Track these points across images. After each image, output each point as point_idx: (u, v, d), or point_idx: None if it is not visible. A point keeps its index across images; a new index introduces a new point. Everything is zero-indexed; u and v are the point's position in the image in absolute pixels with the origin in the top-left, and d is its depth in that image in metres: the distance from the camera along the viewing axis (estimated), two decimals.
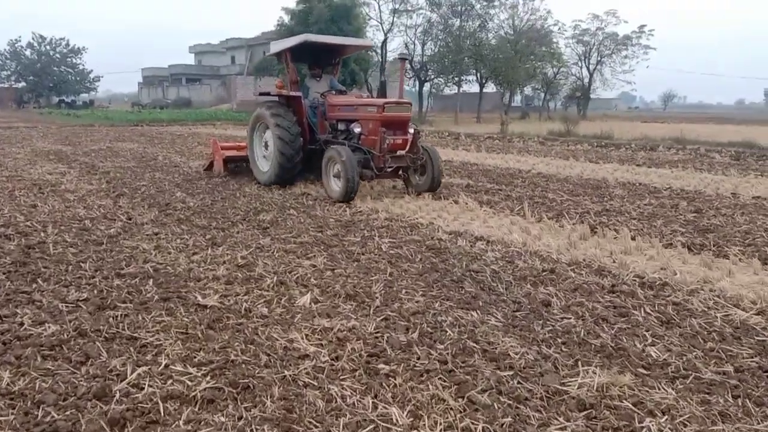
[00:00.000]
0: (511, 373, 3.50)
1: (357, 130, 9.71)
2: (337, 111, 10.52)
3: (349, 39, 11.51)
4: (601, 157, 17.40)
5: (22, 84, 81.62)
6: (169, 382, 3.34)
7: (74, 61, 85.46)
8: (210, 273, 5.41)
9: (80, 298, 4.66)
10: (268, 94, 11.48)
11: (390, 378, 3.43)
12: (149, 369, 3.45)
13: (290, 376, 3.40)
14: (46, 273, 5.34)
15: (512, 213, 8.47)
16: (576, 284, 5.17)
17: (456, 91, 51.83)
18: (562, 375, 3.50)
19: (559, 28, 70.31)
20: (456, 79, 49.14)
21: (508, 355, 3.73)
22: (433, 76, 48.16)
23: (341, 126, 10.40)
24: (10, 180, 11.22)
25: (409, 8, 48.14)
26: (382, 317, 4.36)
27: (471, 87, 55.27)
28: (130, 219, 7.83)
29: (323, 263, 5.72)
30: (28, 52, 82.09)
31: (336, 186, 9.32)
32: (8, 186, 10.44)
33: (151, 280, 5.17)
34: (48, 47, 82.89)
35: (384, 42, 45.43)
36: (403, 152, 9.54)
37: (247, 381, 3.33)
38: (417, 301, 4.69)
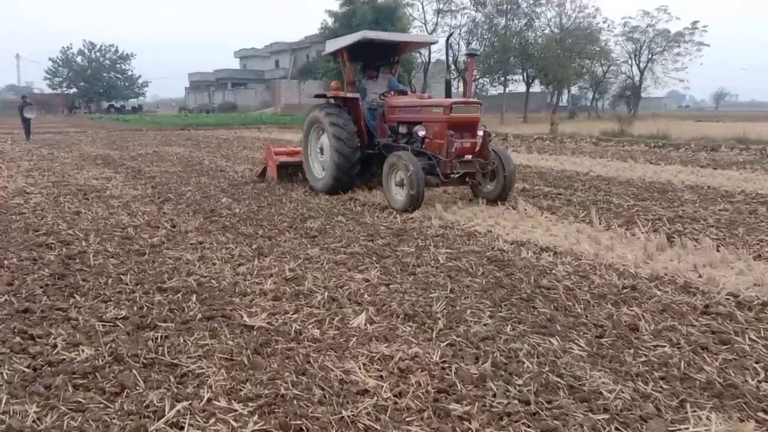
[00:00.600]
0: (606, 416, 2.97)
1: (421, 133, 8.95)
2: (398, 113, 9.79)
3: (410, 35, 10.87)
4: (661, 158, 16.51)
5: (74, 90, 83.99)
6: (212, 421, 2.93)
7: (123, 67, 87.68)
8: (257, 287, 5.02)
9: (118, 316, 4.31)
10: (323, 96, 10.87)
11: (464, 421, 2.94)
12: (190, 404, 3.05)
13: (349, 417, 2.94)
14: (85, 287, 5.03)
15: (577, 220, 7.87)
16: (663, 304, 4.58)
17: (501, 91, 50.84)
18: (668, 420, 2.95)
19: (608, 26, 68.37)
20: (502, 78, 48.22)
21: (600, 393, 3.20)
22: (478, 76, 47.32)
23: (402, 129, 9.66)
24: (56, 185, 11.14)
25: (453, 8, 47.54)
26: (446, 342, 3.88)
27: (516, 87, 54.20)
28: (174, 227, 7.53)
29: (376, 277, 5.26)
30: (79, 59, 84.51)
31: (399, 196, 8.60)
32: (54, 192, 10.33)
33: (194, 295, 4.80)
34: (98, 54, 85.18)
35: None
36: (470, 157, 8.80)
37: (300, 422, 2.89)
38: (485, 324, 4.18)
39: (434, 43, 11.51)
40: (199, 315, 4.33)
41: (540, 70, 47.10)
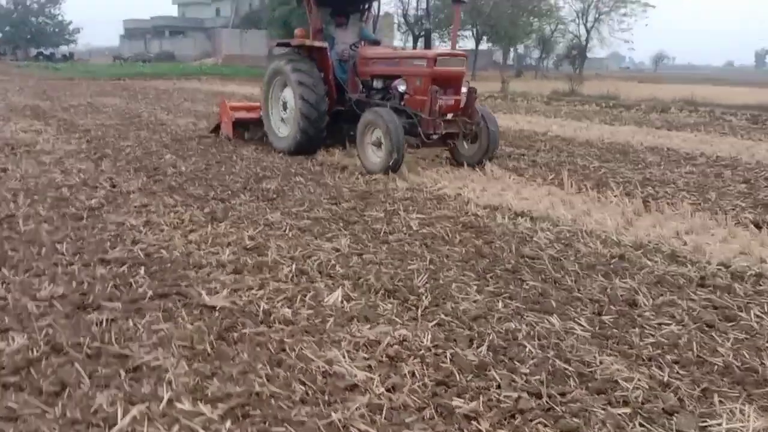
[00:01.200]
0: (628, 411, 2.65)
1: (401, 88, 8.10)
2: (373, 65, 8.83)
3: None
4: (615, 119, 16.43)
5: None
6: (176, 428, 2.45)
7: (52, 11, 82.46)
8: (213, 258, 4.49)
9: (55, 294, 3.72)
10: (287, 45, 9.63)
11: (471, 421, 2.56)
12: (147, 408, 2.55)
13: (339, 420, 2.51)
14: (14, 258, 4.38)
15: (546, 182, 7.55)
16: (657, 276, 4.30)
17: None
18: (696, 414, 2.65)
19: None
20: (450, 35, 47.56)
21: (616, 382, 2.87)
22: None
23: (377, 83, 8.81)
24: None
25: None
26: (435, 322, 3.48)
27: (464, 44, 53.67)
28: (114, 186, 6.84)
29: (348, 246, 4.80)
30: (3, 2, 78.88)
31: (375, 157, 7.79)
32: None
33: (143, 268, 4.23)
34: None
35: None
36: (452, 115, 8.06)
37: (281, 429, 2.45)
38: (474, 301, 3.80)
39: None
40: (150, 292, 3.78)
41: (491, 27, 46.65)
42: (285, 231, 5.20)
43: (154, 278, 4.06)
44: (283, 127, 9.51)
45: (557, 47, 61.45)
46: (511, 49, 61.90)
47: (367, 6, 10.20)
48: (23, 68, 47.24)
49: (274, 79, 9.57)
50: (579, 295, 3.94)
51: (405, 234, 5.22)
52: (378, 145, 7.73)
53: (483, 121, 8.15)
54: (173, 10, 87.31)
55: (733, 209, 6.40)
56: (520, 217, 5.83)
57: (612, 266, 4.48)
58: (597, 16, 57.33)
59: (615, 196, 6.73)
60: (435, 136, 7.82)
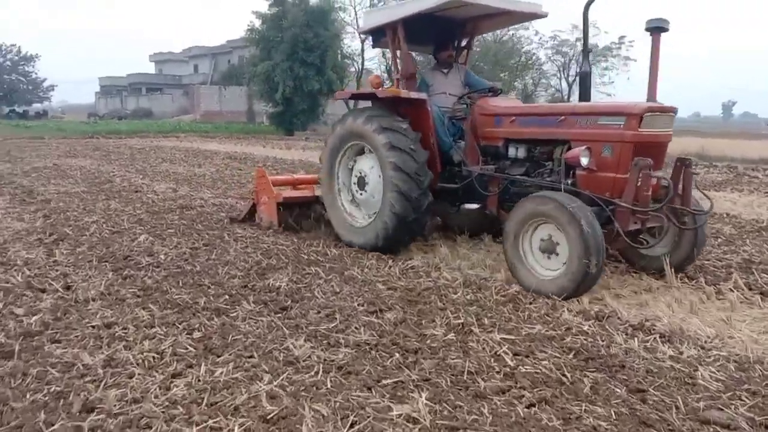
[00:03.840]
0: None
1: (584, 160, 5.24)
2: (511, 125, 6.15)
3: (514, 2, 6.63)
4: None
5: None
6: None
7: (26, 69, 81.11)
8: None
9: None
10: (363, 96, 7.31)
11: None
12: None
13: None
14: None
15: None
16: None
17: None
18: None
19: (540, 39, 68.32)
20: None
21: None
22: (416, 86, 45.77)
23: (516, 151, 6.14)
24: None
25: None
26: None
27: None
28: (68, 289, 5.03)
29: (427, 410, 3.02)
30: None
31: (547, 269, 5.09)
32: None
33: None
34: None
35: (362, 50, 42.97)
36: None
37: None
38: None
39: (544, 16, 6.91)
40: None
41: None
42: (319, 376, 3.40)
43: None
44: (356, 212, 6.91)
45: (539, 101, 61.35)
46: None
47: (466, 44, 7.68)
48: None
49: (344, 145, 6.83)
50: None
51: (500, 375, 3.46)
52: (550, 251, 5.09)
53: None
54: (150, 68, 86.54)
55: None
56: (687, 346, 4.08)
57: None
58: (578, 70, 57.50)
59: None
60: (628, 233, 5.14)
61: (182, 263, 5.84)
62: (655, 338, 4.04)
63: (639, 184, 4.98)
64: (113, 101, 78.21)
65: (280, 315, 4.42)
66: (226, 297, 4.81)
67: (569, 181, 5.40)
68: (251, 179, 13.13)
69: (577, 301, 4.82)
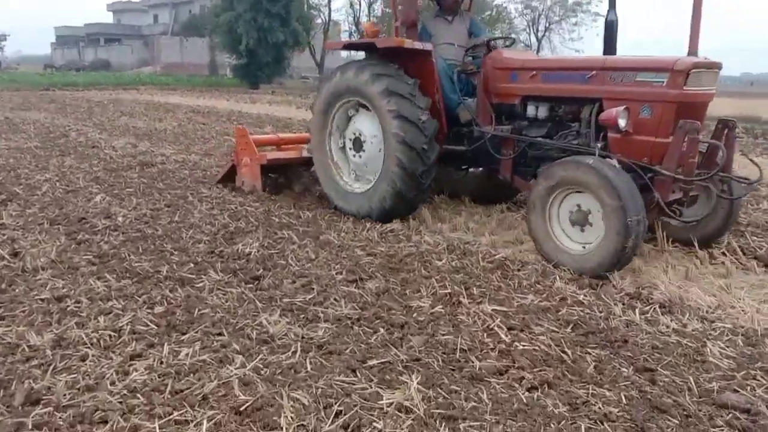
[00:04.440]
0: None
1: (622, 122, 4.60)
2: (531, 81, 5.40)
3: None
4: None
5: None
6: None
7: None
8: None
9: None
10: (359, 47, 6.45)
11: None
12: None
13: None
14: None
15: None
16: None
17: None
18: None
19: None
20: None
21: None
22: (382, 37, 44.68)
23: (536, 110, 5.43)
24: None
25: None
26: None
27: None
28: (15, 255, 4.57)
29: (420, 399, 2.71)
30: None
31: (573, 242, 4.58)
32: None
33: None
34: None
35: (329, 0, 41.68)
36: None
37: None
38: None
39: None
40: None
41: None
42: (297, 357, 3.05)
43: None
44: (351, 178, 6.17)
45: None
46: None
47: None
48: None
49: (336, 103, 6.03)
50: None
51: (495, 353, 3.16)
52: (582, 223, 4.51)
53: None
54: (108, 17, 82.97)
55: None
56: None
57: None
58: (548, 25, 56.99)
59: None
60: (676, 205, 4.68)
61: (142, 226, 5.40)
62: (654, 309, 3.79)
63: (684, 149, 4.39)
64: (70, 52, 74.93)
65: (251, 286, 4.04)
66: (191, 265, 4.40)
67: (599, 145, 4.78)
68: (216, 134, 12.62)
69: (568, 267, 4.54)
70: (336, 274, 4.27)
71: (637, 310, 3.75)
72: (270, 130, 12.79)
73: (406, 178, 5.45)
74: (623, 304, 3.88)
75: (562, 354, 3.15)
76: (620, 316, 3.67)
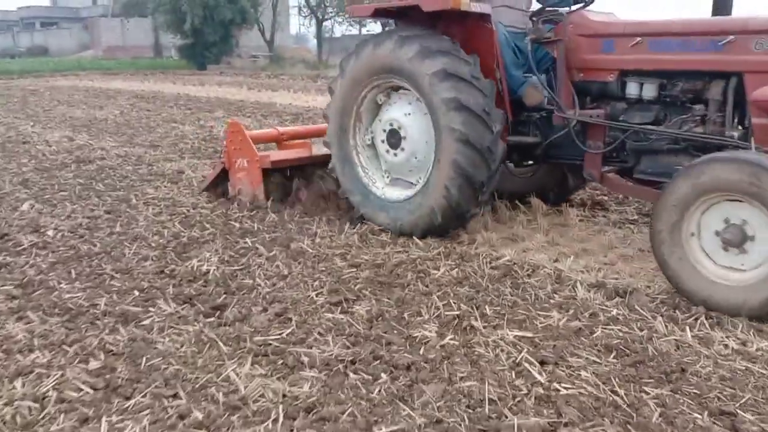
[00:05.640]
0: None
1: None
2: (639, 49, 4.15)
3: None
4: None
5: None
6: None
7: None
8: None
9: None
10: (396, 12, 4.82)
11: None
12: None
13: None
14: None
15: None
16: None
17: (356, 32, 47.31)
18: None
19: None
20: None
21: None
22: (333, 14, 43.37)
23: (640, 89, 4.22)
24: None
25: None
26: None
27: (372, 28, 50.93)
28: None
29: None
30: None
31: (726, 270, 3.35)
32: None
33: None
34: None
35: None
36: None
37: None
38: None
39: None
40: None
41: None
42: (279, 427, 2.32)
43: None
44: (383, 182, 4.91)
45: None
46: None
47: None
48: None
49: (367, 85, 4.75)
50: None
51: (531, 401, 2.49)
52: (739, 243, 3.31)
53: None
54: (44, 0, 78.96)
55: None
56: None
57: None
58: None
59: None
60: None
61: (76, 242, 4.53)
62: (701, 321, 3.17)
63: None
64: (4, 38, 71.00)
65: (211, 320, 3.26)
66: (136, 293, 3.58)
67: (735, 134, 3.78)
68: (162, 121, 11.53)
69: (585, 270, 3.92)
70: (316, 295, 3.52)
71: (685, 326, 3.12)
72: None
73: (465, 186, 4.29)
74: (662, 316, 3.25)
75: (614, 397, 2.50)
76: (666, 335, 3.04)
